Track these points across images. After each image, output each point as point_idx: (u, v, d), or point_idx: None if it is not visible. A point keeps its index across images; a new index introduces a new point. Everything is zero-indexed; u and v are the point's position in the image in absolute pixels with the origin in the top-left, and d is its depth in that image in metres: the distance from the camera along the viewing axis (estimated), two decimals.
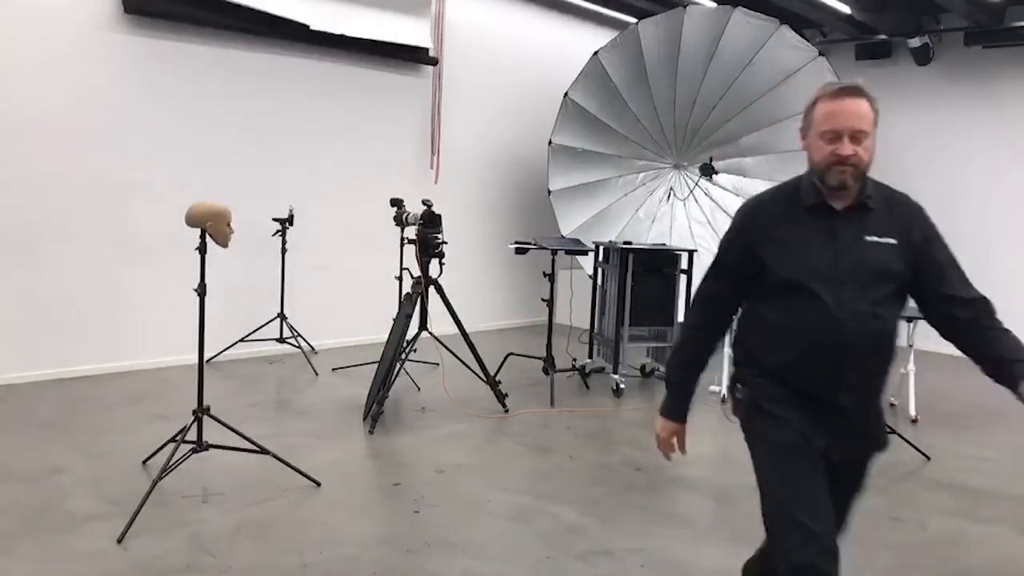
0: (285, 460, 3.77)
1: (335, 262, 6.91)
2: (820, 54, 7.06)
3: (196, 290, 3.53)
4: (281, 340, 6.21)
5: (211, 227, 3.46)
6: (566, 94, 7.51)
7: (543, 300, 5.65)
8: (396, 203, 5.77)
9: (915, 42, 7.82)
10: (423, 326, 5.07)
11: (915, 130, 8.16)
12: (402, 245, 6.02)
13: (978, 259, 8.32)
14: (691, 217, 8.06)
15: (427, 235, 4.98)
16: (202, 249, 3.48)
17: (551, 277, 5.62)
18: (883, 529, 3.58)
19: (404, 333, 4.93)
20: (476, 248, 8.04)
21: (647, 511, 3.68)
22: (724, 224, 7.91)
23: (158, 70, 5.79)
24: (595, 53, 7.41)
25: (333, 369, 6.03)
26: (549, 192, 7.66)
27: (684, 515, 3.70)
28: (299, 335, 6.26)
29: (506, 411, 5.13)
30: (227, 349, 6.01)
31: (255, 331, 6.14)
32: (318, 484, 3.74)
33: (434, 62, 7.32)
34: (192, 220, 3.46)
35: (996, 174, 7.70)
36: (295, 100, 6.60)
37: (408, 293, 5.07)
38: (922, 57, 7.92)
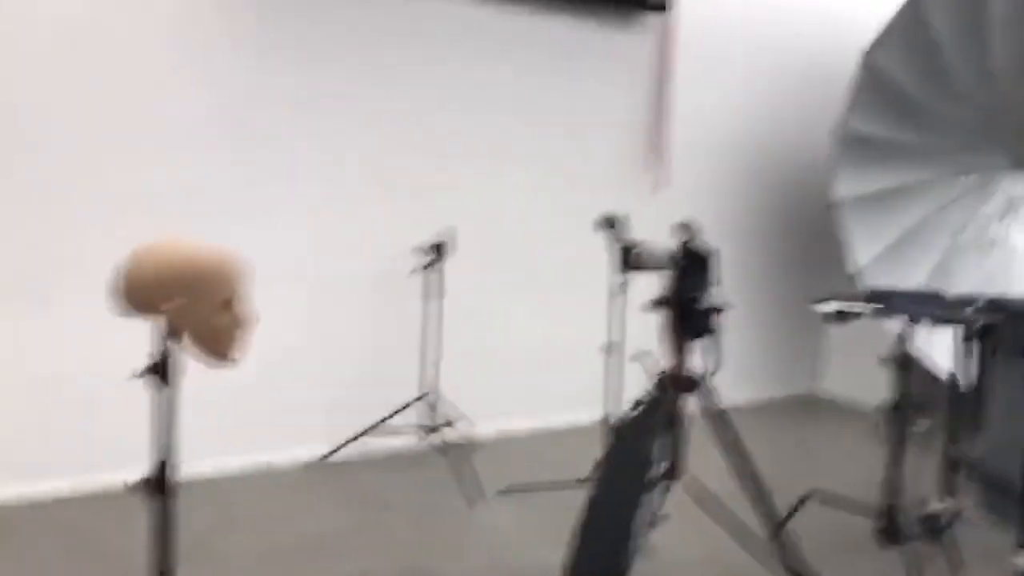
0: None
1: (499, 316, 4.58)
2: None
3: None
4: (433, 429, 4.01)
5: (179, 313, 1.26)
6: (865, 53, 4.85)
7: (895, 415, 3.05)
8: (610, 224, 3.51)
9: None
10: (673, 470, 2.67)
11: None
12: (624, 290, 3.67)
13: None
14: None
15: (686, 291, 2.60)
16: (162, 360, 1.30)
17: (903, 362, 3.02)
18: None
19: (642, 473, 2.56)
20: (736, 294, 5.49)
21: None
22: None
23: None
24: None
25: (499, 492, 3.74)
26: (831, 203, 5.03)
27: None
28: (450, 423, 4.06)
29: None
30: (339, 449, 3.93)
31: (386, 419, 4.00)
32: None
33: (661, 7, 4.87)
34: (135, 294, 1.28)
35: None
36: (444, 67, 4.34)
37: (654, 395, 2.67)
38: None
